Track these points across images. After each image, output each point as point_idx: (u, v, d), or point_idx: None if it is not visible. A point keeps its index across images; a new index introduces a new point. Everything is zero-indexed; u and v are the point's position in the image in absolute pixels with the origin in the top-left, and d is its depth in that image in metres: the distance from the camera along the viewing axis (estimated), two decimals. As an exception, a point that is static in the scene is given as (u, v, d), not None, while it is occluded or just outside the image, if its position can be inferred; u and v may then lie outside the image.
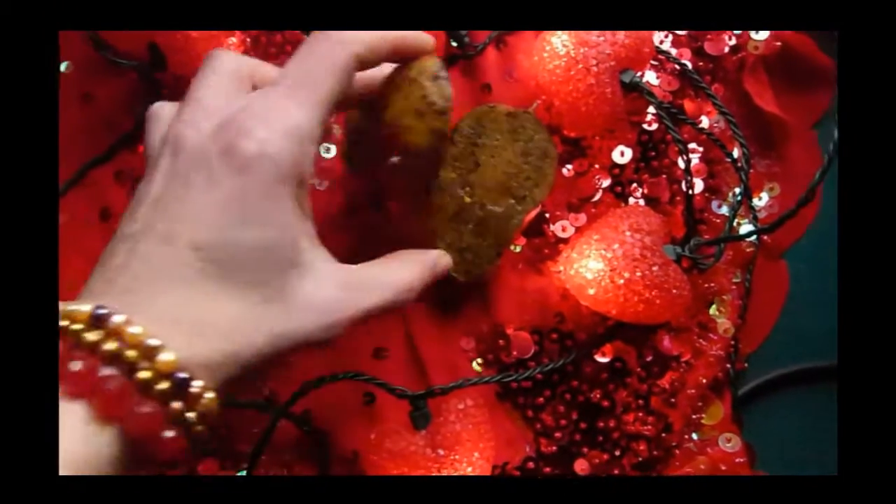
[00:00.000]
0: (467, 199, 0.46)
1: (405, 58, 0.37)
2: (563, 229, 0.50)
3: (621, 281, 0.45)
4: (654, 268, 0.45)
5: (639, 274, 0.45)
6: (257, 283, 0.28)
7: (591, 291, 0.46)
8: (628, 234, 0.46)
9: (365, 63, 0.34)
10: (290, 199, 0.29)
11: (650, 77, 0.52)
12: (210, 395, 0.27)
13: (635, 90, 0.49)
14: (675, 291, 0.45)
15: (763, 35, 0.53)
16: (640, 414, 0.49)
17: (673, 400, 0.49)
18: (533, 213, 0.48)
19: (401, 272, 0.34)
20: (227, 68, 0.32)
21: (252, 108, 0.30)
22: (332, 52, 0.32)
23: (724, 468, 0.49)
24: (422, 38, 0.37)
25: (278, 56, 0.51)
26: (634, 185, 0.52)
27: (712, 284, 0.51)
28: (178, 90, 0.49)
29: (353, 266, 0.33)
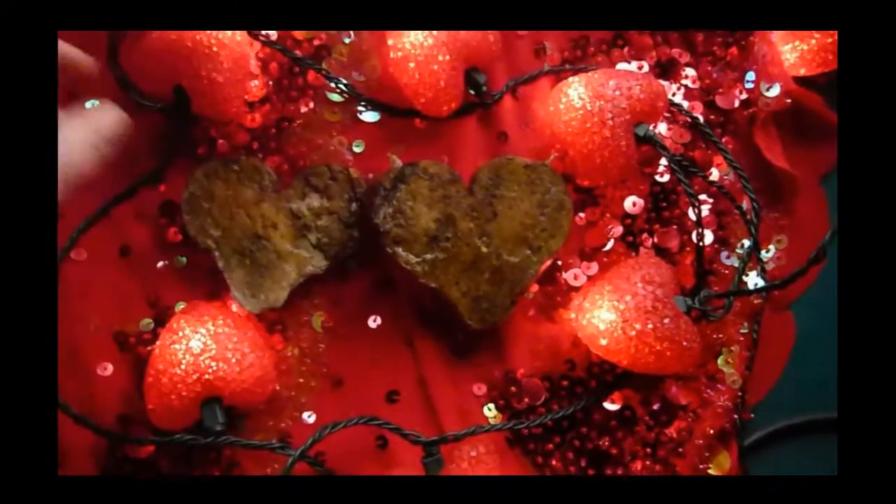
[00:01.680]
0: (484, 249, 0.47)
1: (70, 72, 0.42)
2: (576, 277, 0.51)
3: (633, 332, 0.46)
4: (666, 320, 0.46)
5: (650, 326, 0.46)
6: None
7: (603, 342, 0.47)
8: (640, 285, 0.47)
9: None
10: None
11: (661, 128, 0.54)
12: None
13: (649, 143, 0.50)
14: (685, 344, 0.46)
15: (774, 92, 0.54)
16: (648, 462, 0.49)
17: (680, 449, 0.50)
18: (547, 263, 0.49)
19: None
20: None
21: None
22: None
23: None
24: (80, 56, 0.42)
25: (299, 99, 0.52)
26: (645, 234, 0.53)
27: (720, 335, 0.52)
28: (201, 131, 0.50)
29: None
